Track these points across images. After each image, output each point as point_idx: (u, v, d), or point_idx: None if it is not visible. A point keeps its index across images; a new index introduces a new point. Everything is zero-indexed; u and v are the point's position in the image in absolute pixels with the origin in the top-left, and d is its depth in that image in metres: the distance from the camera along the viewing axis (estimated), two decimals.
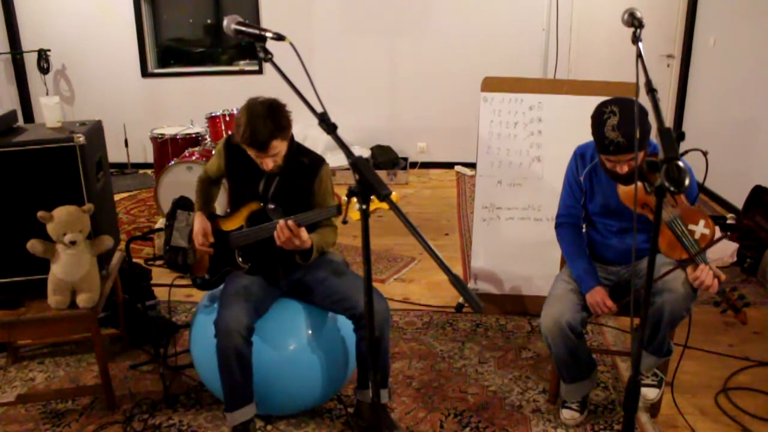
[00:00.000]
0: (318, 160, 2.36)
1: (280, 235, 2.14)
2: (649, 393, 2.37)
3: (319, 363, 2.31)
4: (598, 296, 2.22)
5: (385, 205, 1.87)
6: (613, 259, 2.37)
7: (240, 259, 2.33)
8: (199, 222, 2.39)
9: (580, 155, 2.35)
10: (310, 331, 2.33)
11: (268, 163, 2.21)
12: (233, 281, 2.32)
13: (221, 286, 2.38)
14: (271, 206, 2.27)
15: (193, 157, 4.42)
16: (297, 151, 2.34)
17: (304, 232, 2.17)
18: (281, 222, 2.13)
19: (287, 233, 2.13)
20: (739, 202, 4.34)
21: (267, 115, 2.12)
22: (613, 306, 2.20)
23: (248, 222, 2.31)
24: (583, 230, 2.45)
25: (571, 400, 2.41)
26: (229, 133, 4.73)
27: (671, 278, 2.09)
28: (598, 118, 2.05)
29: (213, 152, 4.44)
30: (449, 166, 6.35)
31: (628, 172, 2.07)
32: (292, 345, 2.30)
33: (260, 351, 2.24)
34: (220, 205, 4.14)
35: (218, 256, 2.39)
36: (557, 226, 2.45)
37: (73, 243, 2.26)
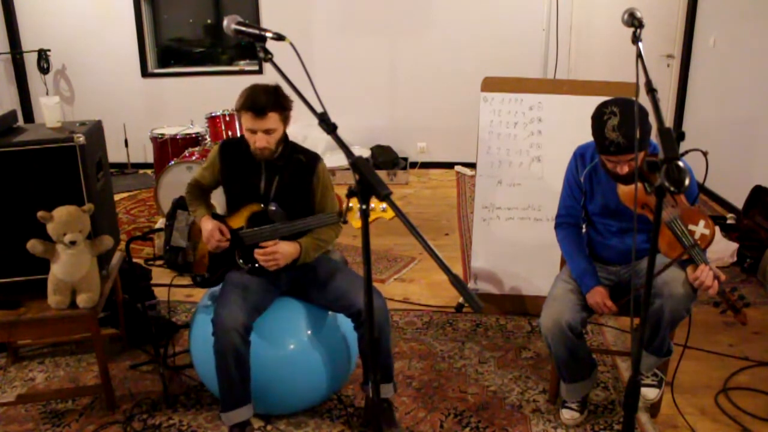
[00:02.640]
0: (314, 158, 2.37)
1: (262, 261, 2.24)
2: (649, 393, 2.37)
3: (320, 361, 2.31)
4: (598, 296, 2.22)
5: (385, 215, 1.92)
6: (613, 259, 2.37)
7: (240, 261, 2.32)
8: (209, 223, 2.33)
9: (580, 155, 2.35)
10: (310, 330, 2.33)
11: (261, 140, 2.20)
12: (232, 279, 2.32)
13: (220, 285, 2.38)
14: (272, 208, 2.26)
15: (193, 157, 4.42)
16: (293, 149, 2.35)
17: (282, 247, 2.24)
18: (257, 251, 2.22)
19: (267, 258, 2.24)
20: (739, 202, 4.34)
21: (270, 91, 2.19)
22: (613, 306, 2.20)
23: (249, 223, 2.30)
24: (583, 230, 2.45)
25: (571, 399, 2.41)
26: (229, 134, 4.74)
27: (671, 279, 2.09)
28: (598, 119, 2.05)
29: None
30: (449, 166, 6.35)
31: (628, 172, 2.07)
32: (293, 344, 2.30)
33: (261, 349, 2.24)
34: (221, 207, 4.13)
35: (218, 254, 2.38)
36: (557, 226, 2.45)
37: (73, 243, 2.26)
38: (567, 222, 2.42)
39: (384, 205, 1.96)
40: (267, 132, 2.19)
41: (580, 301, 2.25)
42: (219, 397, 2.25)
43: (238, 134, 4.36)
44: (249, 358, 2.18)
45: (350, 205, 1.98)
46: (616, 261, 2.37)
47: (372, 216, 1.96)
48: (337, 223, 2.18)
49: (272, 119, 2.18)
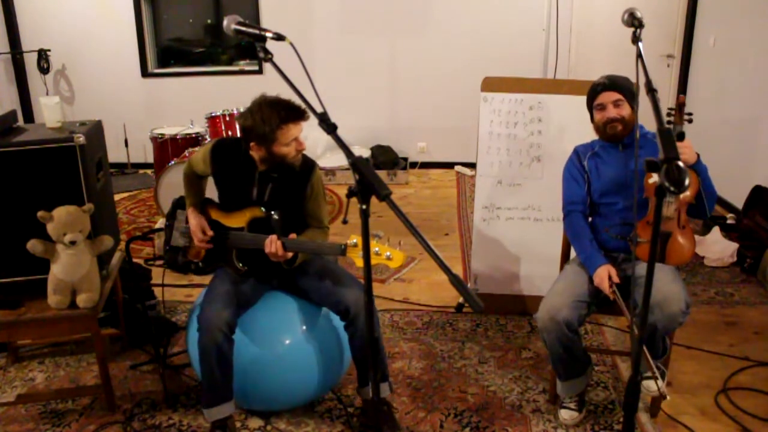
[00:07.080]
0: (309, 165, 2.35)
1: (268, 246, 2.16)
2: (651, 385, 2.37)
3: (313, 356, 2.31)
4: (603, 272, 2.24)
5: (390, 263, 1.94)
6: (615, 244, 2.37)
7: (240, 264, 2.31)
8: (194, 218, 2.37)
9: (581, 149, 2.46)
10: (303, 325, 2.34)
11: (300, 145, 2.21)
12: (221, 276, 2.32)
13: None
14: (276, 217, 2.24)
15: None
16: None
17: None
18: (273, 236, 2.15)
19: (273, 248, 2.15)
20: (739, 202, 4.34)
21: (276, 97, 2.18)
22: (617, 280, 2.23)
23: (249, 226, 2.29)
24: (589, 220, 2.47)
25: (567, 396, 2.41)
26: (229, 134, 4.74)
27: (664, 297, 2.10)
28: (591, 85, 2.37)
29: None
30: (449, 166, 6.35)
31: (615, 116, 2.27)
32: (285, 339, 2.31)
33: (253, 345, 2.25)
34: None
35: (215, 249, 2.38)
36: (565, 216, 2.47)
37: (73, 243, 2.26)
38: (573, 210, 2.44)
39: (389, 252, 1.97)
40: (300, 132, 2.21)
41: (580, 297, 2.25)
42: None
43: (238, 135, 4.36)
44: (232, 355, 2.18)
45: (354, 241, 2.00)
46: (618, 245, 2.36)
47: (375, 260, 1.98)
48: (337, 255, 2.15)
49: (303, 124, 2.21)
